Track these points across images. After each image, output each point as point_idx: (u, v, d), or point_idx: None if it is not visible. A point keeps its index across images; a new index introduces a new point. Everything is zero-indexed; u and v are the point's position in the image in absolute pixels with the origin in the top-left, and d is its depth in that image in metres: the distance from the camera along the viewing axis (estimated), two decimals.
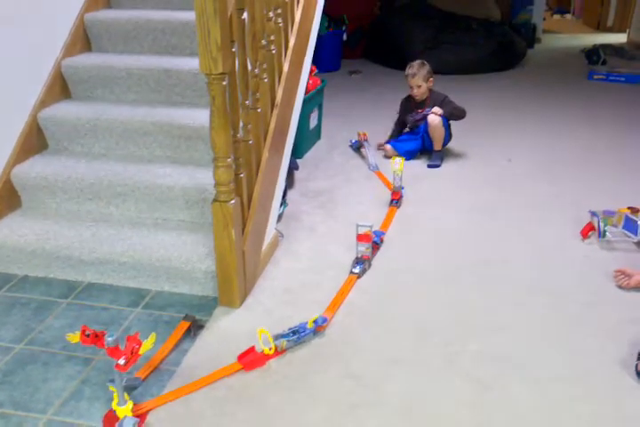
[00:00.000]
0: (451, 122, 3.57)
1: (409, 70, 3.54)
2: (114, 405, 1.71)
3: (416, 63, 3.55)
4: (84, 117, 2.69)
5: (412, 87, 3.55)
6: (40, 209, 2.57)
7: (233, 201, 2.11)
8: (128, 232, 2.39)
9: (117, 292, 2.30)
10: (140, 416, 1.72)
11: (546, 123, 4.30)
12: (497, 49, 5.83)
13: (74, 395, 1.81)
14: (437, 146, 3.53)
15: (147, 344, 1.71)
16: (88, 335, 1.71)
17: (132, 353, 1.68)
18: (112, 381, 1.73)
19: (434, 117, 3.46)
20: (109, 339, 1.66)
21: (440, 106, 3.51)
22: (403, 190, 3.07)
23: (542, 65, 6.21)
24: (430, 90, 3.59)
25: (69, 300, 2.26)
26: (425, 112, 3.56)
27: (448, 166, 3.52)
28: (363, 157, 3.63)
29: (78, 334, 1.71)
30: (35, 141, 2.68)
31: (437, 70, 3.69)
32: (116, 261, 2.29)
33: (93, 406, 1.77)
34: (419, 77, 3.50)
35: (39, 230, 2.41)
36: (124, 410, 1.70)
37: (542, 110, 4.60)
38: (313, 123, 3.78)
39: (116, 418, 1.69)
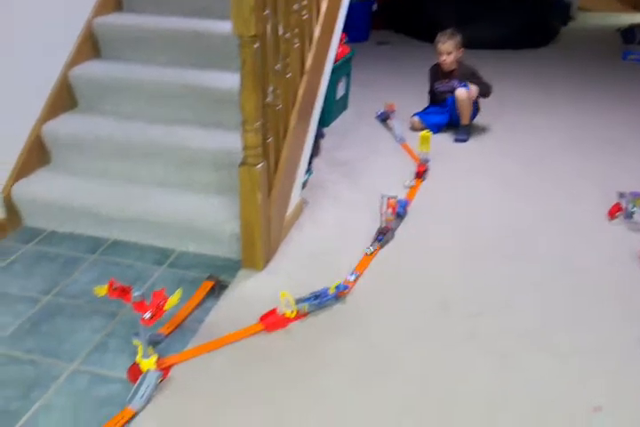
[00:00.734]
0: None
1: (440, 37, 3.49)
2: (138, 358, 1.75)
3: (448, 31, 3.50)
4: (113, 77, 2.69)
5: (440, 54, 3.49)
6: (69, 166, 2.59)
7: (260, 165, 2.12)
8: (155, 192, 2.41)
9: (143, 250, 2.33)
10: (163, 370, 1.76)
11: (577, 101, 4.22)
12: (530, 26, 5.69)
13: (99, 347, 1.85)
14: (465, 120, 3.49)
15: (172, 300, 1.73)
16: (115, 289, 1.75)
17: (157, 308, 1.71)
18: (136, 335, 1.76)
19: (462, 91, 3.41)
20: (136, 293, 1.69)
21: (468, 80, 3.45)
22: (428, 163, 3.06)
23: (576, 43, 6.06)
24: (459, 62, 3.54)
25: (96, 256, 2.30)
26: (452, 84, 3.51)
27: (475, 141, 3.48)
28: (389, 128, 3.60)
29: (106, 287, 1.74)
30: (65, 99, 2.69)
31: (468, 45, 3.61)
32: (142, 220, 2.32)
33: (118, 359, 1.81)
34: (449, 44, 3.44)
35: (68, 187, 2.44)
36: (148, 363, 1.75)
37: (574, 89, 4.51)
38: (340, 92, 3.75)
39: (140, 371, 1.73)
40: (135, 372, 1.74)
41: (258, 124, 2.06)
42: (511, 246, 2.44)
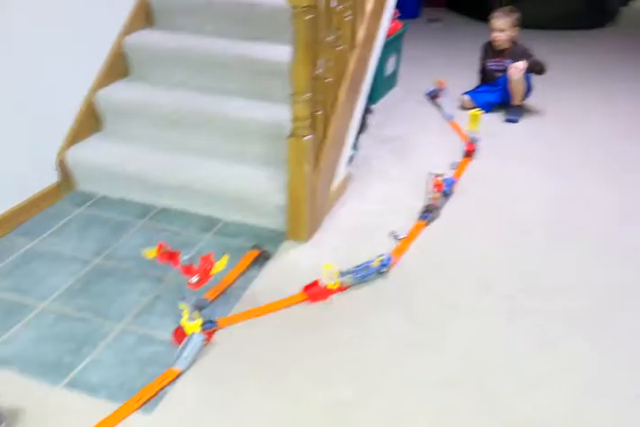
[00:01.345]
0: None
1: (496, 13, 3.39)
2: (183, 321, 1.79)
3: (507, 7, 3.40)
4: (165, 46, 2.70)
5: (494, 30, 3.39)
6: (120, 133, 2.64)
7: (308, 137, 2.11)
8: (203, 161, 2.44)
9: (190, 217, 2.37)
10: (207, 334, 1.80)
11: (637, 86, 4.06)
12: (587, 5, 5.48)
13: (146, 309, 1.91)
14: (516, 100, 3.41)
15: (219, 265, 1.77)
16: (164, 252, 1.78)
17: (204, 273, 1.74)
18: (183, 298, 1.81)
19: (515, 71, 3.31)
20: (185, 257, 1.73)
21: (521, 59, 3.35)
22: (477, 143, 3.00)
23: (636, 25, 5.81)
24: (513, 41, 3.43)
25: (144, 221, 2.35)
26: (504, 64, 3.42)
27: (526, 122, 3.40)
28: (438, 106, 3.54)
29: (155, 249, 1.78)
30: (118, 67, 2.73)
31: (522, 24, 3.50)
32: (190, 188, 2.36)
33: (164, 321, 1.86)
34: (504, 21, 3.34)
35: (120, 153, 2.48)
36: (193, 327, 1.79)
37: (633, 73, 4.34)
38: (390, 68, 3.70)
39: (185, 333, 1.77)
40: (180, 334, 1.79)
41: (307, 95, 2.05)
42: (558, 231, 2.39)
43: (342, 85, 2.40)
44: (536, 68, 3.36)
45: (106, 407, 1.57)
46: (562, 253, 2.25)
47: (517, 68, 3.30)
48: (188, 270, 1.74)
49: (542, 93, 3.58)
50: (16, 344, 1.77)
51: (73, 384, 1.64)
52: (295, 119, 2.09)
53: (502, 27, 3.37)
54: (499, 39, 3.41)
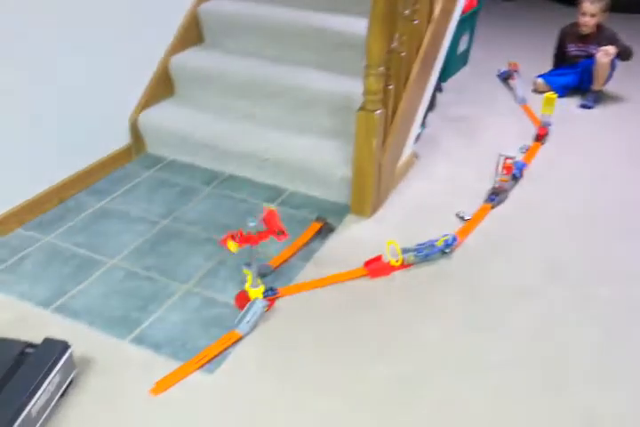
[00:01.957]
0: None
1: None
2: (247, 286, 1.82)
3: None
4: (240, 14, 2.70)
5: (584, 14, 3.23)
6: (192, 99, 2.66)
7: (379, 111, 2.08)
8: (271, 131, 2.44)
9: (255, 186, 2.39)
10: (269, 301, 1.82)
11: None
12: None
13: (211, 272, 1.94)
14: (597, 85, 3.26)
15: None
16: (238, 237, 1.77)
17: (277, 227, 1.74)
18: (247, 264, 1.83)
19: (604, 55, 3.15)
20: (251, 224, 1.74)
21: (607, 43, 3.20)
22: (550, 127, 2.90)
23: None
24: (599, 25, 3.28)
25: (211, 188, 2.38)
26: (588, 49, 3.27)
27: (602, 109, 3.26)
28: (510, 88, 3.43)
29: (236, 244, 1.76)
30: (193, 34, 2.74)
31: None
32: (258, 157, 2.37)
33: (227, 285, 1.89)
34: (597, 6, 3.18)
35: (190, 119, 2.51)
36: (256, 292, 1.81)
37: None
38: (462, 47, 3.60)
39: (248, 298, 1.80)
40: (243, 299, 1.81)
41: (381, 69, 2.02)
42: (630, 220, 2.30)
43: (416, 61, 2.35)
44: (624, 54, 3.21)
45: (169, 364, 1.62)
46: (634, 241, 2.17)
47: (607, 53, 3.15)
48: (251, 239, 1.76)
49: (621, 80, 3.42)
50: (86, 298, 1.83)
51: (139, 340, 1.69)
52: (367, 92, 2.07)
53: (594, 11, 3.19)
54: (587, 24, 3.24)
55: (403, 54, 2.21)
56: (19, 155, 2.07)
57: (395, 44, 2.15)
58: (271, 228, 1.74)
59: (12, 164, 2.05)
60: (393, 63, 2.16)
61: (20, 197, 2.13)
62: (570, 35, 3.39)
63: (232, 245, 1.79)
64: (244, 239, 1.77)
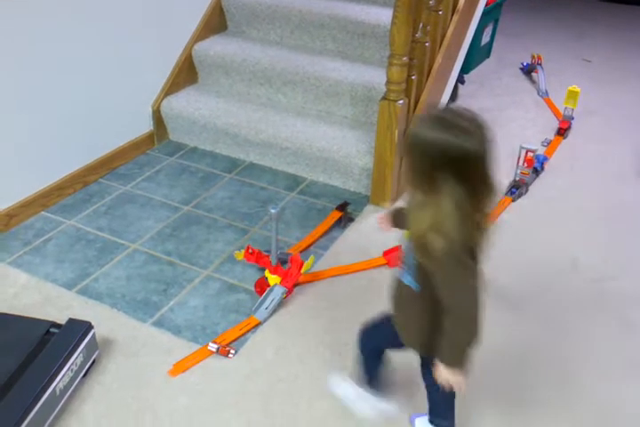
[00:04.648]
0: None
1: None
2: (267, 273, 1.83)
3: None
4: (263, 3, 2.70)
5: None
6: (214, 87, 2.68)
7: (401, 101, 2.08)
8: (292, 120, 2.45)
9: (276, 174, 2.40)
10: (288, 288, 1.84)
11: None
12: None
13: (231, 258, 1.95)
14: None
15: (308, 264, 1.83)
16: (252, 253, 1.85)
17: (296, 270, 1.81)
18: (267, 251, 1.85)
19: None
20: (273, 211, 1.75)
21: None
22: (572, 121, 2.88)
23: None
24: None
25: (232, 175, 2.40)
26: None
27: (627, 100, 3.22)
28: (533, 81, 3.40)
29: (243, 252, 1.85)
30: (216, 21, 2.75)
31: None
32: (278, 146, 2.38)
33: (247, 271, 1.91)
34: None
35: (212, 106, 2.53)
36: (275, 279, 1.83)
37: None
38: (485, 39, 3.56)
39: (267, 285, 1.82)
40: (262, 285, 1.83)
41: (405, 58, 2.02)
42: None
43: (440, 50, 2.34)
44: None
45: (189, 347, 1.64)
46: None
47: None
48: (276, 270, 1.80)
49: None
50: (109, 281, 1.86)
51: (159, 323, 1.72)
52: (390, 82, 2.06)
53: None
54: None
55: (427, 44, 2.20)
56: (42, 140, 2.10)
57: (419, 34, 2.15)
58: (290, 273, 1.80)
59: (35, 149, 2.09)
60: (416, 53, 2.15)
61: (44, 180, 2.16)
62: None
63: (239, 255, 1.86)
64: (255, 256, 1.84)
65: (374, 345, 1.39)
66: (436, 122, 1.04)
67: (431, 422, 1.40)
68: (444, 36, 2.36)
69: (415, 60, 2.15)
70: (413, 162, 1.07)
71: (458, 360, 1.12)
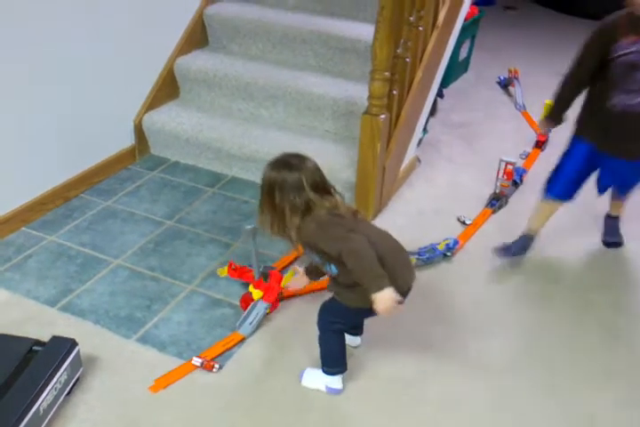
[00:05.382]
0: None
1: None
2: (251, 287, 1.82)
3: None
4: (244, 18, 2.72)
5: None
6: (196, 101, 2.68)
7: (383, 116, 2.11)
8: (275, 134, 2.46)
9: (258, 188, 2.38)
10: (272, 303, 1.83)
11: None
12: None
13: (215, 273, 1.94)
14: None
15: (287, 278, 1.81)
16: (234, 269, 1.86)
17: (275, 284, 1.81)
18: (250, 266, 1.85)
19: None
20: (248, 227, 1.76)
21: None
22: (549, 134, 2.93)
23: None
24: None
25: (215, 189, 2.40)
26: None
27: None
28: (510, 95, 3.47)
29: (226, 268, 1.86)
30: (198, 37, 2.76)
31: None
32: (261, 160, 2.36)
33: (232, 286, 1.90)
34: None
35: (194, 121, 2.53)
36: (259, 293, 1.82)
37: None
38: (463, 54, 3.63)
39: (252, 299, 1.81)
40: (247, 300, 1.82)
41: (387, 73, 2.05)
42: (632, 228, 2.33)
43: (420, 66, 2.38)
44: None
45: (174, 363, 1.63)
46: (633, 248, 2.20)
47: None
48: (259, 285, 1.80)
49: None
50: (92, 297, 1.84)
51: (144, 339, 1.70)
52: (372, 97, 2.09)
53: None
54: None
55: (407, 60, 2.24)
56: (22, 155, 2.08)
57: (400, 50, 2.18)
58: (270, 287, 1.80)
59: (15, 164, 2.07)
60: (398, 68, 2.19)
61: (24, 196, 2.14)
62: (620, 27, 1.77)
63: (222, 271, 1.86)
64: (238, 272, 1.85)
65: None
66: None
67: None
68: (424, 51, 2.41)
69: (396, 75, 2.19)
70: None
71: (377, 283, 1.34)
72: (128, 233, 2.12)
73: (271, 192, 1.43)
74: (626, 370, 1.70)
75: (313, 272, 1.64)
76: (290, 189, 1.41)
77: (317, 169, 1.48)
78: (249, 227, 1.75)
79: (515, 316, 1.87)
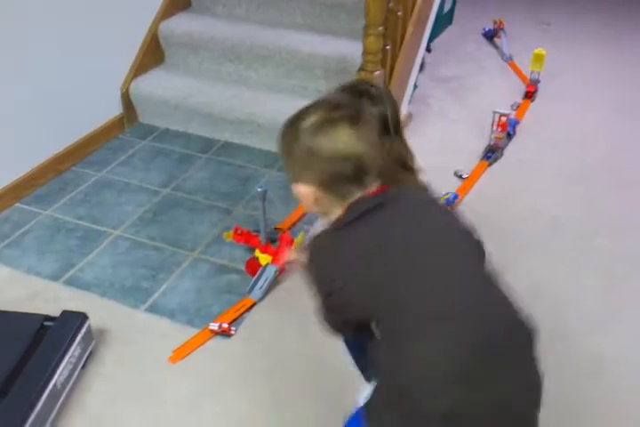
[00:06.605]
0: None
1: None
2: (257, 252, 1.81)
3: None
4: None
5: None
6: (182, 66, 2.61)
7: (378, 72, 2.07)
8: (266, 96, 2.41)
9: (253, 153, 2.37)
10: (281, 266, 1.82)
11: None
12: None
13: (217, 239, 1.93)
14: None
15: (298, 241, 1.82)
16: (240, 234, 1.83)
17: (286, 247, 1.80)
18: (255, 230, 1.83)
19: None
20: (259, 190, 1.74)
21: None
22: (539, 84, 2.91)
23: None
24: None
25: (208, 155, 2.36)
26: None
27: (590, 62, 3.27)
28: (496, 46, 3.41)
29: (231, 232, 1.82)
30: None
31: None
32: (253, 123, 2.34)
33: (236, 251, 1.89)
34: None
35: (182, 86, 2.46)
36: (267, 258, 1.82)
37: None
38: (447, 6, 3.55)
39: (259, 264, 1.80)
40: (253, 265, 1.82)
41: (381, 28, 2.00)
42: (623, 174, 2.34)
43: (411, 19, 2.33)
44: None
45: (185, 331, 1.63)
46: (624, 196, 2.21)
47: None
48: (267, 249, 1.79)
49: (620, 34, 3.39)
50: (95, 269, 1.82)
51: (153, 309, 1.70)
52: (366, 53, 2.05)
53: None
54: None
55: (399, 14, 2.19)
56: (11, 129, 2.02)
57: (391, 4, 2.13)
58: (279, 250, 1.78)
59: (3, 139, 2.00)
60: (390, 23, 2.14)
61: (15, 172, 2.08)
62: None
63: (228, 235, 1.84)
64: (244, 236, 1.82)
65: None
66: None
67: None
68: (414, 4, 2.35)
69: (389, 29, 2.14)
70: None
71: None
72: (125, 204, 2.08)
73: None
74: None
75: None
76: None
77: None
78: (260, 189, 1.73)
79: (521, 267, 1.87)
